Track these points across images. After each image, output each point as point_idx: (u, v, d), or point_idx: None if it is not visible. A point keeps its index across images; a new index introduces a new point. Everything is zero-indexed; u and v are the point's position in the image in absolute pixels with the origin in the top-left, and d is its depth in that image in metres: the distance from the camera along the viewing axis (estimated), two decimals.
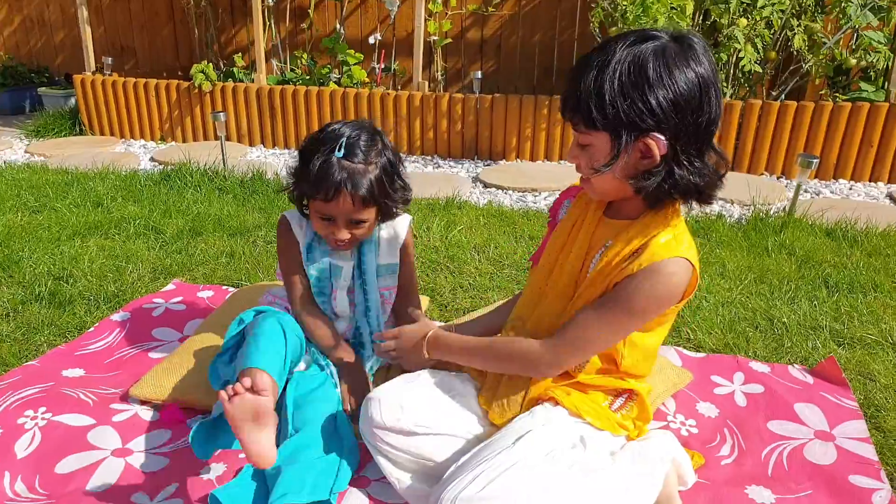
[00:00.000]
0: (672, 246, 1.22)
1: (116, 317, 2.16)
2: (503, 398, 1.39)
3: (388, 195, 1.58)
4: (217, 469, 1.47)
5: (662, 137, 1.14)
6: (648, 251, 1.21)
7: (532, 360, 1.32)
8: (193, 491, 1.40)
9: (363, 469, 1.46)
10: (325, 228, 1.58)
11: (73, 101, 5.66)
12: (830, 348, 2.01)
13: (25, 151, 4.78)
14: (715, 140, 1.21)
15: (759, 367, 1.89)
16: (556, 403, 1.33)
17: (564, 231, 1.38)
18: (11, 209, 3.25)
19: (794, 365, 1.91)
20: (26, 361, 1.91)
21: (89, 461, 1.48)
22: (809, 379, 1.83)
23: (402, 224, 1.73)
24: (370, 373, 1.72)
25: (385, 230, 1.72)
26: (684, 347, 2.02)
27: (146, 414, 1.66)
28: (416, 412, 1.34)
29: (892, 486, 1.43)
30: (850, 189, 3.77)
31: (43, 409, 1.62)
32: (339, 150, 1.50)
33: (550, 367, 1.32)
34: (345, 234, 1.58)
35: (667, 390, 1.72)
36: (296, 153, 1.63)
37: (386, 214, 1.63)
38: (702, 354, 1.97)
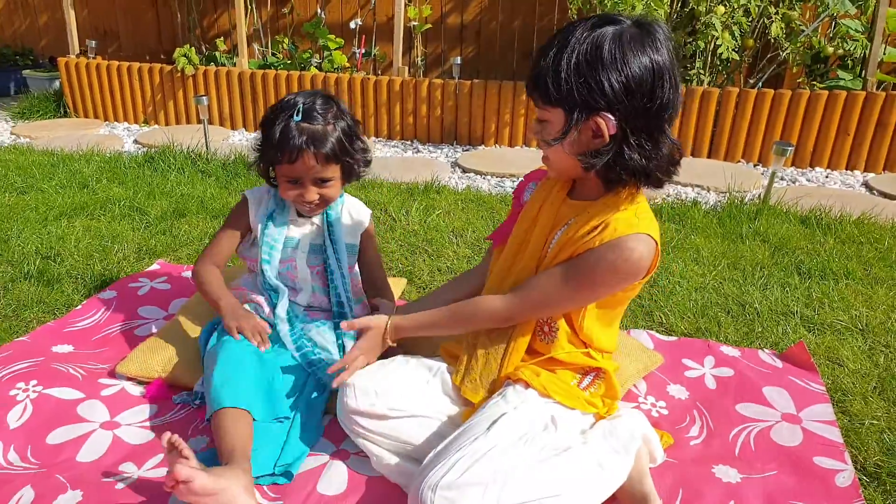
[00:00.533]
0: (633, 222, 1.27)
1: (103, 295, 2.19)
2: (476, 376, 1.44)
3: (350, 153, 1.66)
4: (200, 442, 1.53)
5: (612, 118, 1.19)
6: (610, 227, 1.27)
7: (491, 316, 1.39)
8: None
9: (342, 443, 1.51)
10: (293, 192, 1.65)
11: (57, 83, 5.63)
12: (801, 334, 2.07)
13: (11, 133, 4.76)
14: (672, 126, 1.25)
15: (729, 351, 1.94)
16: (528, 385, 1.38)
17: (531, 213, 1.43)
18: None
19: (765, 350, 1.96)
20: (17, 337, 1.94)
21: (79, 433, 1.52)
22: (779, 363, 1.88)
23: (364, 213, 1.84)
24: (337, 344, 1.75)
25: (348, 215, 1.81)
26: (657, 331, 2.07)
27: (133, 389, 1.70)
28: (389, 396, 1.39)
29: (855, 468, 1.48)
30: (827, 177, 3.84)
31: (34, 382, 1.66)
32: (297, 115, 1.57)
33: (505, 321, 1.40)
34: (313, 194, 1.64)
35: (638, 372, 1.78)
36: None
37: (349, 174, 1.70)
38: (674, 338, 2.02)
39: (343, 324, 1.51)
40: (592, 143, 1.23)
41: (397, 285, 2.23)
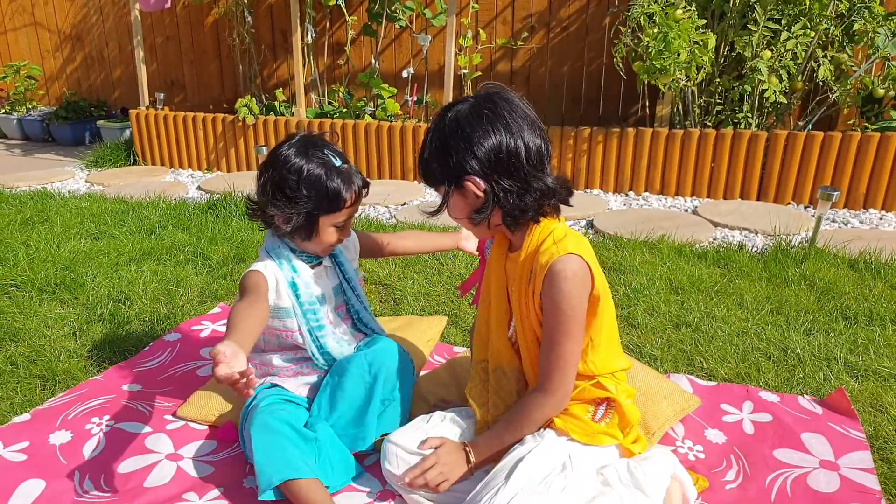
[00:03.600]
0: (553, 250, 1.41)
1: (168, 337, 2.35)
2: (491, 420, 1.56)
3: None
4: (252, 482, 1.62)
5: (479, 179, 1.39)
6: (537, 266, 1.42)
7: (543, 409, 1.46)
8: (236, 496, 1.57)
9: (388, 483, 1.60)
10: (336, 235, 1.66)
11: (128, 133, 6.01)
12: (843, 380, 2.05)
13: (86, 181, 5.11)
14: (548, 165, 1.44)
15: (768, 396, 1.95)
16: (544, 426, 1.46)
17: (489, 272, 1.58)
18: (76, 236, 3.51)
19: (805, 395, 1.96)
20: (91, 376, 2.11)
21: (146, 463, 1.66)
22: (818, 409, 1.88)
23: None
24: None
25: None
26: (696, 376, 2.09)
27: (195, 425, 1.83)
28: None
29: None
30: (881, 219, 3.78)
31: (107, 416, 1.82)
32: (336, 160, 1.62)
33: (558, 403, 1.47)
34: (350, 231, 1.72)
35: (675, 414, 1.81)
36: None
37: None
38: (713, 383, 2.04)
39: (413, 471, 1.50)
40: (476, 203, 1.43)
41: (436, 324, 2.32)
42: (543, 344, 1.45)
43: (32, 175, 5.18)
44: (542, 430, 1.47)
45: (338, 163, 1.61)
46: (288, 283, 1.67)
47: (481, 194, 1.40)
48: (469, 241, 2.04)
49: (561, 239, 1.43)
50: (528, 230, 1.46)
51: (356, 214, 1.95)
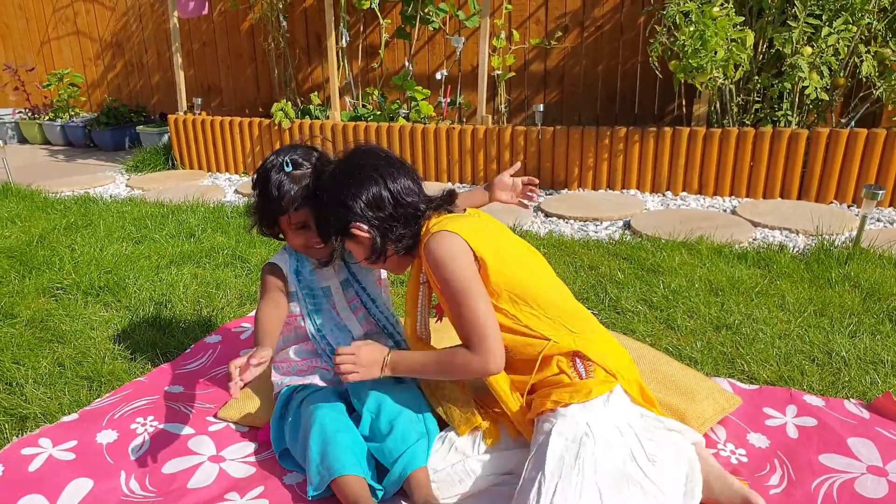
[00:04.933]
0: (427, 236, 1.56)
1: (209, 339, 2.39)
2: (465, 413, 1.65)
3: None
4: (297, 477, 1.65)
5: (360, 224, 1.57)
6: (422, 253, 1.58)
7: (469, 365, 1.52)
8: (276, 494, 1.59)
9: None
10: (301, 238, 1.77)
11: (166, 137, 6.13)
12: (891, 384, 2.01)
13: (126, 185, 5.23)
14: (418, 192, 1.62)
15: (813, 400, 1.91)
16: (548, 411, 1.48)
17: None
18: (118, 240, 3.60)
19: (851, 399, 1.92)
20: (135, 377, 2.16)
21: (189, 464, 1.69)
22: (865, 414, 1.84)
23: None
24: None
25: None
26: (738, 379, 2.06)
27: (236, 426, 1.87)
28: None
29: None
30: None
31: (151, 417, 1.86)
32: (286, 166, 1.74)
33: (484, 363, 1.51)
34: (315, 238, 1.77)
35: (716, 413, 1.79)
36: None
37: None
38: (755, 386, 2.01)
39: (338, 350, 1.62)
40: (368, 244, 1.60)
41: None
42: (449, 315, 1.57)
43: (76, 180, 5.32)
44: (550, 414, 1.48)
45: (288, 168, 1.73)
46: (293, 270, 1.85)
47: (368, 236, 1.58)
48: (504, 192, 2.06)
49: (435, 224, 1.58)
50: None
51: None
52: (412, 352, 1.65)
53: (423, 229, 1.62)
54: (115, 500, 1.56)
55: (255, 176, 1.79)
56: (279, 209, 1.74)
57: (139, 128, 6.50)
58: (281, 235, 1.84)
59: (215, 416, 1.91)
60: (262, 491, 1.59)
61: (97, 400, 2.01)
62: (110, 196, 4.78)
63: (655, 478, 1.40)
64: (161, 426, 1.82)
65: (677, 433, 1.54)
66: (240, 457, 1.74)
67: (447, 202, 1.66)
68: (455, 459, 1.58)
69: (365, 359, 1.59)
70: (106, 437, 1.77)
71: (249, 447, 1.78)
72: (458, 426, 1.62)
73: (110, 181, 5.34)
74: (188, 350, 2.32)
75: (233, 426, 1.86)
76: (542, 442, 1.43)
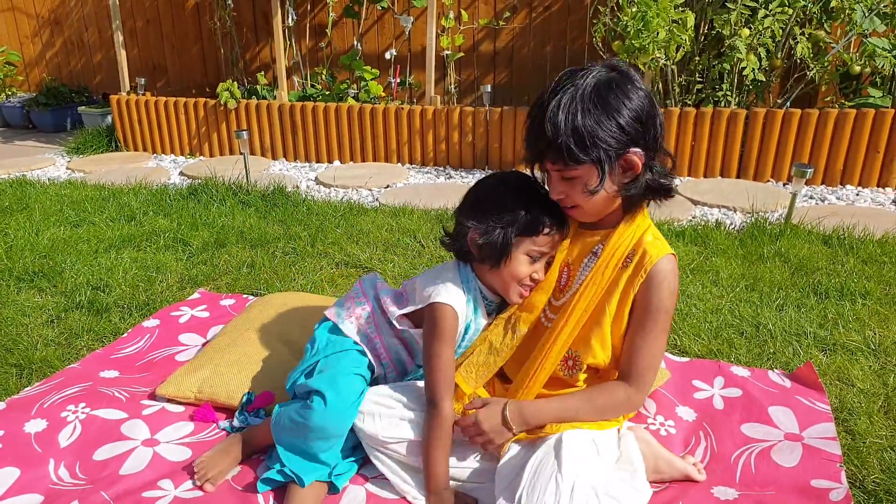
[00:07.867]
0: (659, 245, 1.44)
1: (147, 323, 2.36)
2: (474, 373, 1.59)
3: None
4: None
5: (640, 150, 1.36)
6: (641, 253, 1.42)
7: (629, 403, 1.49)
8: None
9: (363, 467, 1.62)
10: (527, 267, 1.53)
11: (109, 118, 5.96)
12: (812, 354, 2.10)
13: (67, 167, 5.08)
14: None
15: (739, 371, 1.98)
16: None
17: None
18: (55, 223, 3.50)
19: (774, 370, 2.00)
20: (69, 364, 2.12)
21: (122, 450, 1.67)
22: (787, 383, 1.91)
23: None
24: None
25: None
26: (670, 353, 2.13)
27: (172, 408, 1.84)
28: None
29: (854, 486, 1.52)
30: (857, 195, 3.82)
31: (83, 404, 1.82)
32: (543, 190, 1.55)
33: (639, 403, 1.51)
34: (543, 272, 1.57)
35: None
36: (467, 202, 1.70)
37: None
38: (685, 359, 2.08)
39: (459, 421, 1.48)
40: (625, 176, 1.39)
41: None
42: (637, 338, 1.45)
43: (12, 162, 5.14)
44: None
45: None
46: (464, 325, 1.59)
47: (640, 168, 1.37)
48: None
49: (658, 235, 1.47)
50: (631, 217, 1.47)
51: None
52: (542, 400, 1.49)
53: (645, 219, 1.47)
54: (44, 488, 1.54)
55: (500, 187, 1.62)
56: (533, 228, 1.50)
57: (81, 109, 6.30)
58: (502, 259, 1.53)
59: (153, 395, 1.89)
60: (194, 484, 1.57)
61: (27, 388, 1.97)
62: (49, 179, 4.63)
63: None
64: (93, 412, 1.79)
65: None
66: (174, 439, 1.72)
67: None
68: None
69: (485, 424, 1.44)
70: (34, 426, 1.74)
71: (185, 428, 1.77)
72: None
73: (50, 164, 5.18)
74: (124, 335, 2.29)
75: (168, 407, 1.84)
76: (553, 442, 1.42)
